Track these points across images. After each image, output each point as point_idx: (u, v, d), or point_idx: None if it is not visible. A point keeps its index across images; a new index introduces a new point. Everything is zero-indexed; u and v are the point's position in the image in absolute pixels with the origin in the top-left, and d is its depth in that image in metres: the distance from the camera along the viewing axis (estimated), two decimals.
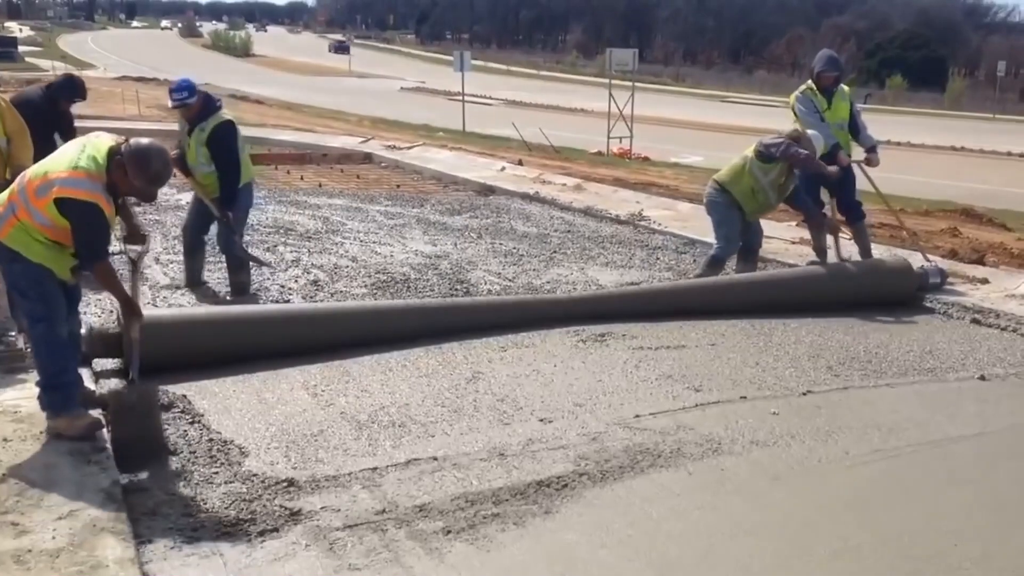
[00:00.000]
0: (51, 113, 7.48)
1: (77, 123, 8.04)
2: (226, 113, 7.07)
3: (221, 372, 5.51)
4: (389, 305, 6.93)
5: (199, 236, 7.39)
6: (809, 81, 8.43)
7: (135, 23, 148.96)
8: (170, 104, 6.85)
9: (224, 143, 6.90)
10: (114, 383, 5.28)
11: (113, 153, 4.43)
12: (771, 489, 4.30)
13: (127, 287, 4.69)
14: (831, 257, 8.25)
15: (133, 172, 4.41)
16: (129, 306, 4.61)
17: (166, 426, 4.73)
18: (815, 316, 7.16)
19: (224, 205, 7.03)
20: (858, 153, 8.54)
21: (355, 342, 6.10)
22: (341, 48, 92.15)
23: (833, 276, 7.83)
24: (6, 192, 4.50)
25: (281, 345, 5.94)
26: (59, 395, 4.52)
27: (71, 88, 7.83)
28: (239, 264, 7.28)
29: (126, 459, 4.29)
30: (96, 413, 4.66)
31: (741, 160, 7.93)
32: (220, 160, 6.92)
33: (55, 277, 4.49)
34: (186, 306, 6.94)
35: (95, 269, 4.49)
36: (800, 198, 8.12)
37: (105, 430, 4.52)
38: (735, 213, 7.94)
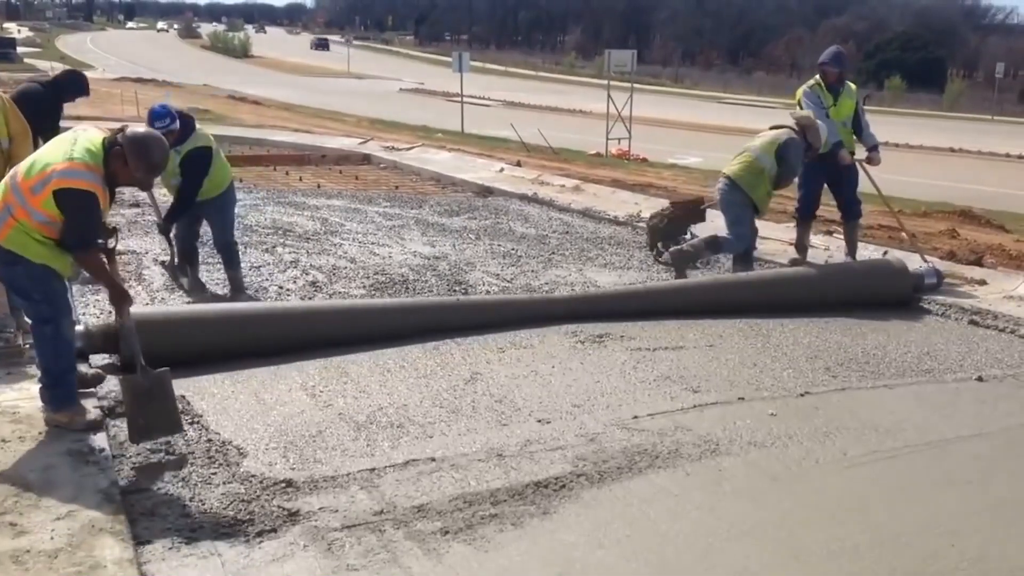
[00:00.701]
0: (55, 110, 7.52)
1: (77, 124, 8.06)
2: (201, 136, 7.07)
3: (220, 373, 5.52)
4: (373, 303, 6.98)
5: (192, 243, 7.47)
6: (817, 76, 8.48)
7: (130, 24, 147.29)
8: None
9: (195, 167, 6.97)
10: (124, 373, 5.28)
11: (110, 144, 4.45)
12: (769, 490, 4.31)
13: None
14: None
15: (134, 161, 4.44)
16: (119, 292, 4.63)
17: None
18: (813, 317, 7.17)
19: (168, 220, 7.19)
20: (860, 152, 8.57)
21: (341, 340, 6.13)
22: (321, 45, 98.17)
23: (828, 276, 7.86)
24: None
25: (272, 343, 5.97)
26: (62, 391, 4.58)
27: (77, 85, 7.88)
28: (232, 260, 7.34)
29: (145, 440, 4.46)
30: (95, 411, 4.72)
31: (757, 161, 7.88)
32: (184, 182, 7.01)
33: (58, 275, 4.51)
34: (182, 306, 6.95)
35: (83, 258, 4.51)
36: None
37: (104, 434, 4.54)
38: (750, 213, 7.99)
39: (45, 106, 7.33)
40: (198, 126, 7.14)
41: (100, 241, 4.60)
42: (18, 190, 4.37)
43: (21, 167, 4.50)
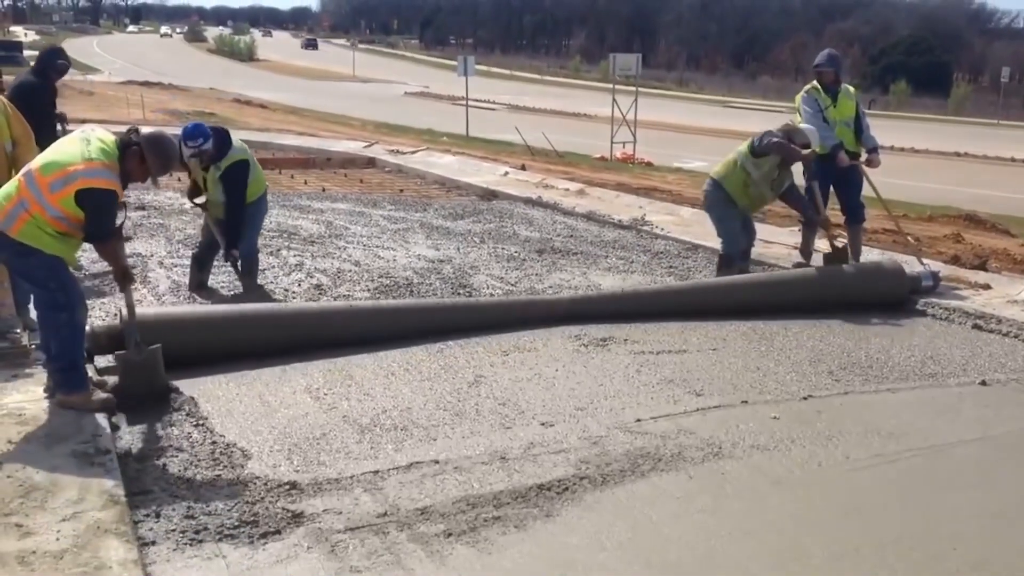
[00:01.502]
0: (49, 94, 7.69)
1: (83, 126, 8.19)
2: (238, 151, 7.09)
3: (224, 375, 5.54)
4: (374, 304, 7.03)
5: (211, 252, 7.53)
6: (814, 81, 8.54)
7: (130, 28, 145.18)
8: (186, 153, 6.77)
9: (233, 181, 7.01)
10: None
11: (126, 144, 4.68)
12: (771, 493, 4.32)
13: None
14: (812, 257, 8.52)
15: (153, 160, 4.71)
16: (124, 272, 4.92)
17: (170, 427, 4.80)
18: (816, 320, 7.18)
19: (229, 245, 7.16)
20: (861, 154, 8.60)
21: (342, 341, 6.17)
22: (310, 44, 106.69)
23: (825, 278, 7.89)
24: (12, 188, 4.60)
25: (277, 344, 6.03)
26: (77, 375, 4.76)
27: (57, 61, 8.09)
28: (251, 269, 7.36)
29: (136, 412, 4.89)
30: (106, 394, 4.90)
31: (734, 155, 8.09)
32: (227, 196, 7.06)
33: (68, 266, 4.73)
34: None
35: (101, 248, 4.83)
36: (795, 195, 8.18)
37: (110, 435, 4.57)
38: (732, 209, 8.07)
39: (40, 94, 7.49)
40: (235, 140, 7.15)
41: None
42: (35, 186, 4.54)
43: (36, 164, 4.67)
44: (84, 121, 15.59)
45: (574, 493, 4.21)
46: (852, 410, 5.40)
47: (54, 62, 8.10)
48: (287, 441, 4.68)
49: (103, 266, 7.46)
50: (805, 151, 7.96)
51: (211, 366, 5.62)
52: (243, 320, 6.20)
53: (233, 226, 7.12)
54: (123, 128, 5.19)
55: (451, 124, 28.27)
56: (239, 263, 7.31)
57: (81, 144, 4.62)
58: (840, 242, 8.39)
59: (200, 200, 7.25)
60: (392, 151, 18.08)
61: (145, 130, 4.84)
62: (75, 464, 4.18)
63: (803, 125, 8.13)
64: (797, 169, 8.22)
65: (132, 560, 3.42)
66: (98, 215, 4.60)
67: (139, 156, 4.68)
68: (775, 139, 7.83)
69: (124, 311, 5.18)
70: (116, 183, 4.61)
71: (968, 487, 4.47)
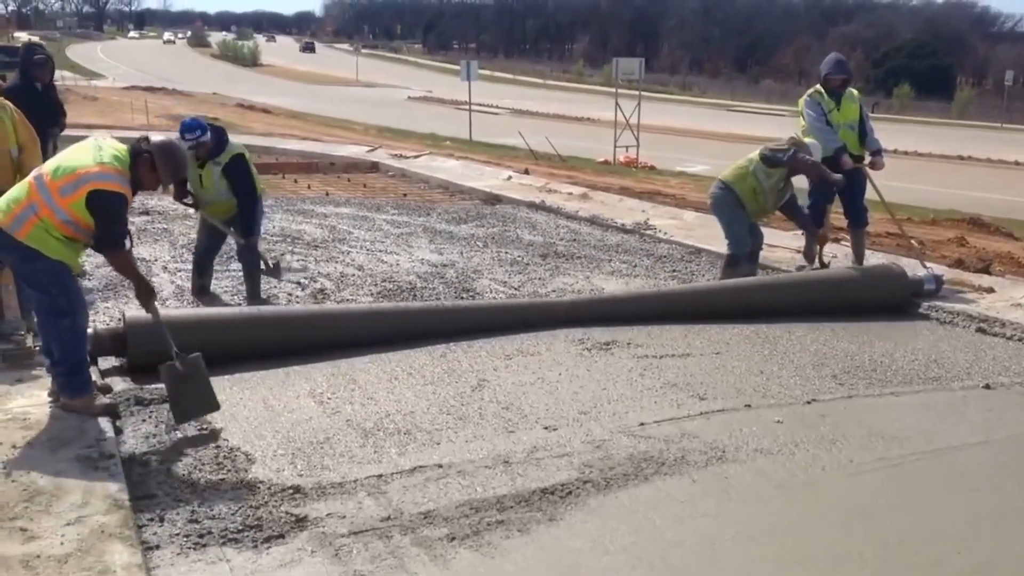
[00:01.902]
0: (45, 89, 7.70)
1: (87, 132, 8.26)
2: (236, 146, 7.17)
3: (228, 379, 5.55)
4: (374, 307, 7.07)
5: (210, 256, 7.56)
6: (817, 84, 8.54)
7: (132, 33, 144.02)
8: (184, 145, 6.84)
9: (241, 174, 7.05)
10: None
11: (137, 151, 4.72)
12: (775, 497, 4.32)
13: None
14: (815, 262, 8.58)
15: (164, 167, 4.74)
16: (145, 287, 4.92)
17: (174, 431, 4.81)
18: (820, 324, 7.18)
19: (247, 232, 7.19)
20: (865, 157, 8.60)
21: (340, 343, 6.20)
22: (308, 47, 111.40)
23: (826, 281, 7.90)
24: (22, 192, 4.62)
25: (278, 345, 6.06)
26: (80, 379, 4.79)
27: (35, 55, 8.14)
28: (253, 272, 7.37)
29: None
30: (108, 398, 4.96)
31: (746, 162, 8.13)
32: (240, 191, 7.08)
33: (71, 272, 4.73)
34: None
35: (113, 256, 4.82)
36: (796, 207, 8.23)
37: (114, 440, 4.58)
38: (741, 212, 8.13)
39: (29, 93, 7.55)
40: (232, 142, 7.19)
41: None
42: (45, 189, 4.57)
43: (46, 168, 4.71)
44: (89, 127, 15.65)
45: (577, 497, 4.21)
46: (855, 414, 5.40)
47: (31, 58, 8.16)
48: (291, 445, 4.68)
49: (107, 271, 7.50)
50: (836, 175, 8.05)
51: (214, 369, 5.60)
52: (246, 322, 6.21)
53: (247, 218, 7.16)
54: (128, 133, 5.22)
55: (454, 128, 28.32)
56: (252, 264, 7.32)
57: (93, 150, 4.68)
58: (827, 260, 8.60)
59: (189, 200, 7.25)
60: (395, 155, 18.11)
61: (156, 138, 4.89)
62: (79, 468, 4.19)
63: (808, 140, 8.13)
64: (799, 179, 8.26)
65: (136, 564, 3.43)
66: (108, 219, 4.63)
67: (150, 164, 4.73)
68: (807, 158, 7.86)
69: (154, 326, 5.02)
70: (127, 188, 4.65)
71: (971, 490, 4.46)
